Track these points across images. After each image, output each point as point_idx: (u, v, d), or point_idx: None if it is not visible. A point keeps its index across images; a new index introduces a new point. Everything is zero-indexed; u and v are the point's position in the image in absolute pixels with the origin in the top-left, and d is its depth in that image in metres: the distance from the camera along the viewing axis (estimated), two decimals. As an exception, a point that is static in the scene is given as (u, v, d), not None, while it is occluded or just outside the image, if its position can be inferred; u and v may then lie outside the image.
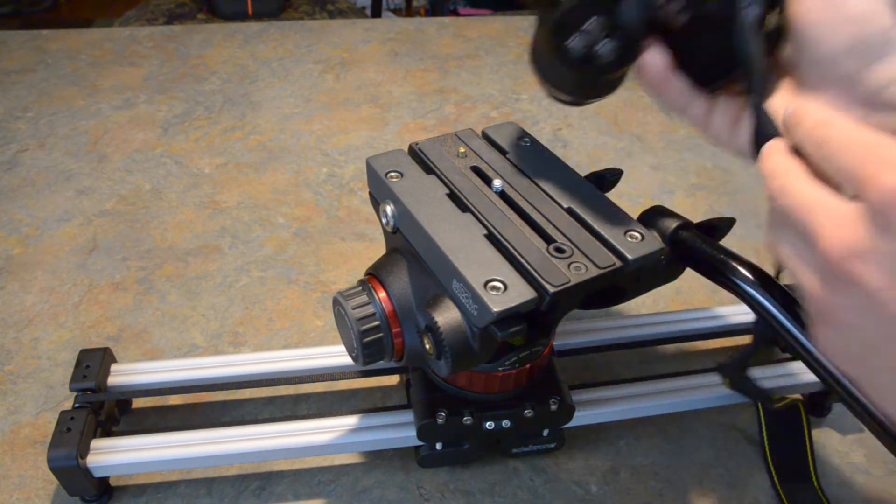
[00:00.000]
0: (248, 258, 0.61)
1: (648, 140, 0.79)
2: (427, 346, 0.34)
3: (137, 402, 0.49)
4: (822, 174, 0.25)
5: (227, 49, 0.95)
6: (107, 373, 0.45)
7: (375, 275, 0.38)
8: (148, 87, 0.86)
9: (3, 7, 2.34)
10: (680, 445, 0.47)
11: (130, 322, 0.55)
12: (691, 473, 0.45)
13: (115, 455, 0.41)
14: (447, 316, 0.32)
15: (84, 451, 0.40)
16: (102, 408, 0.44)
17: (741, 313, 0.52)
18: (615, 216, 0.35)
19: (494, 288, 0.30)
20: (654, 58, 0.31)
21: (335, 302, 0.38)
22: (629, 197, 0.69)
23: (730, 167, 0.75)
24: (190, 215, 0.66)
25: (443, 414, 0.40)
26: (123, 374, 0.46)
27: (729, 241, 0.54)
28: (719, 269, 0.35)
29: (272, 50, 0.95)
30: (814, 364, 0.33)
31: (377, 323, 0.36)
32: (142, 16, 1.30)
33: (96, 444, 0.41)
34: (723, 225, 0.38)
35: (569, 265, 0.32)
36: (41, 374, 0.50)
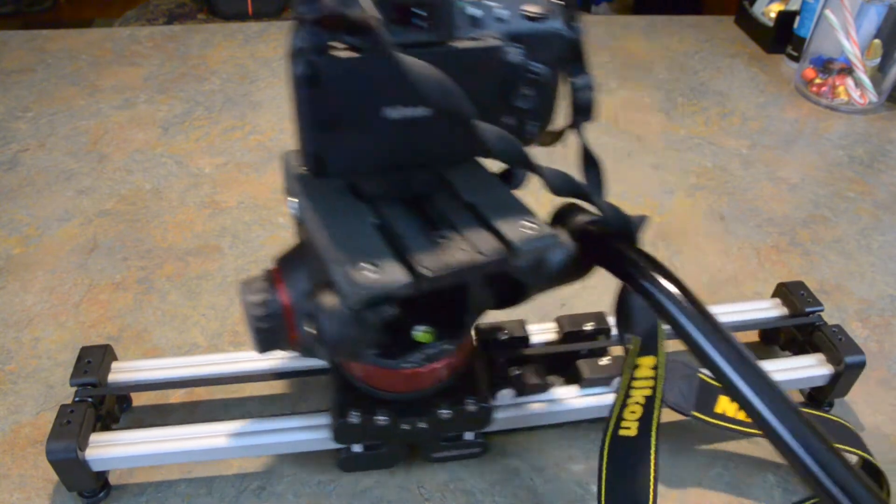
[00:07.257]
0: (248, 258, 0.61)
1: (648, 140, 0.79)
2: (313, 331, 0.34)
3: (138, 401, 0.49)
4: None
5: (227, 49, 0.95)
6: (107, 370, 0.45)
7: (278, 264, 0.38)
8: (148, 87, 0.86)
9: (3, 7, 2.34)
10: (680, 445, 0.47)
11: (131, 322, 0.55)
12: (691, 473, 0.45)
13: (114, 448, 0.41)
14: (325, 299, 0.32)
15: (83, 443, 0.40)
16: (103, 402, 0.44)
17: (741, 312, 0.52)
18: (514, 210, 0.35)
19: (367, 269, 0.30)
20: None
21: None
22: (629, 197, 0.69)
23: (730, 167, 0.75)
24: (190, 215, 0.66)
25: (356, 414, 0.39)
26: (124, 372, 0.46)
27: (730, 241, 0.54)
28: (624, 268, 0.34)
29: (272, 50, 0.95)
30: (713, 368, 0.31)
31: (268, 311, 0.36)
32: (142, 16, 1.30)
33: (96, 437, 0.41)
34: (633, 225, 0.37)
35: (452, 252, 0.32)
36: (41, 374, 0.50)
